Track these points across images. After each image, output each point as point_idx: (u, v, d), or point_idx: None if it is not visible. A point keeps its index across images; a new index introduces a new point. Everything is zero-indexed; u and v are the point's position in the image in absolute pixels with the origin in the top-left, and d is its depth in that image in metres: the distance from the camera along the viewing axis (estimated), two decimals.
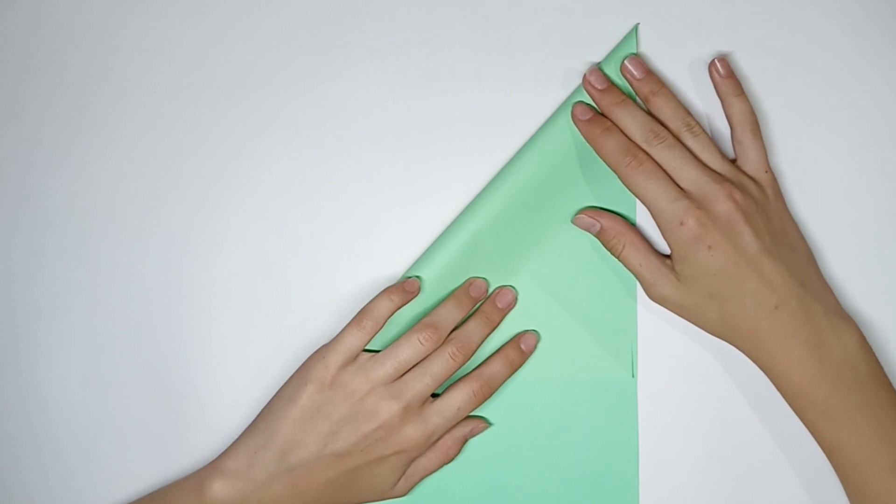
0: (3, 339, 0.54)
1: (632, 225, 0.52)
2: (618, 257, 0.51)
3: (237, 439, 0.51)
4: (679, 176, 0.49)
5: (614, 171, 0.50)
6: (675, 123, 0.50)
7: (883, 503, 0.46)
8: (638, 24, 0.53)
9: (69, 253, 0.55)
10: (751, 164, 0.50)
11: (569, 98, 0.53)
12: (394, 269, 0.53)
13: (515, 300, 0.53)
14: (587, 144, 0.51)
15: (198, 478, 0.50)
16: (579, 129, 0.51)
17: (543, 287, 0.53)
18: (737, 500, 0.52)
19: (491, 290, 0.53)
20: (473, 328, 0.51)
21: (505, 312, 0.52)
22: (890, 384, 0.48)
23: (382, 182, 0.54)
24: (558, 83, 0.53)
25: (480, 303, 0.52)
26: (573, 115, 0.51)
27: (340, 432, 0.49)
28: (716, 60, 0.52)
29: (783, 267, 0.48)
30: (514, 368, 0.52)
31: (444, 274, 0.52)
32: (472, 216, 0.51)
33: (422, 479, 0.51)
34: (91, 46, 0.55)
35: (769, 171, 0.50)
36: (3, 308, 0.55)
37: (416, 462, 0.51)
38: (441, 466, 0.51)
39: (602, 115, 0.51)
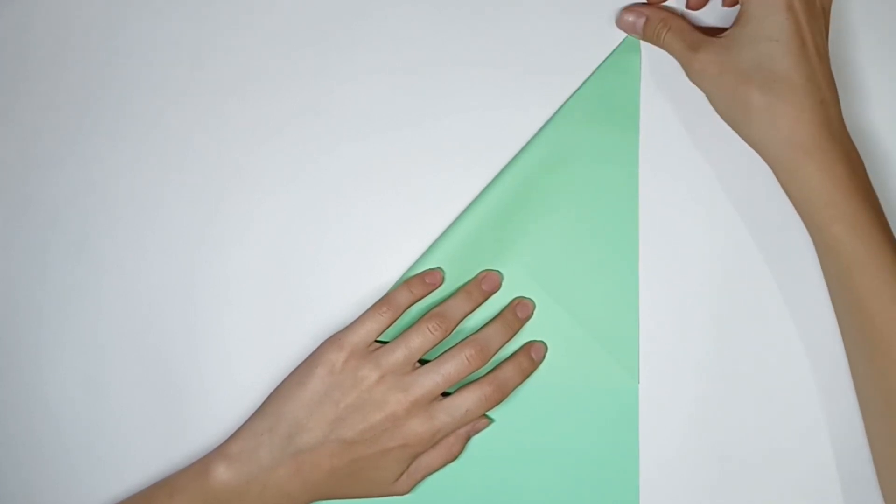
0: (4, 339, 0.54)
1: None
2: (661, 42, 0.51)
3: (244, 423, 0.51)
4: None
5: None
6: None
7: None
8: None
9: (70, 253, 0.55)
10: None
11: (573, 95, 0.53)
12: (399, 265, 0.53)
13: (533, 311, 0.53)
14: (596, 145, 0.51)
15: (203, 462, 0.50)
16: None
17: (545, 289, 0.53)
18: (737, 502, 0.52)
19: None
20: (493, 333, 0.51)
21: (524, 322, 0.52)
22: None
23: (391, 178, 0.54)
24: (566, 80, 0.53)
25: (499, 304, 0.52)
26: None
27: (347, 419, 0.49)
28: None
29: (830, 72, 0.48)
30: (525, 377, 0.52)
31: (451, 271, 0.52)
32: (476, 215, 0.52)
33: (424, 476, 0.51)
34: (91, 46, 0.55)
35: None
36: (4, 308, 0.55)
37: (419, 459, 0.51)
38: (444, 464, 0.51)
39: None
